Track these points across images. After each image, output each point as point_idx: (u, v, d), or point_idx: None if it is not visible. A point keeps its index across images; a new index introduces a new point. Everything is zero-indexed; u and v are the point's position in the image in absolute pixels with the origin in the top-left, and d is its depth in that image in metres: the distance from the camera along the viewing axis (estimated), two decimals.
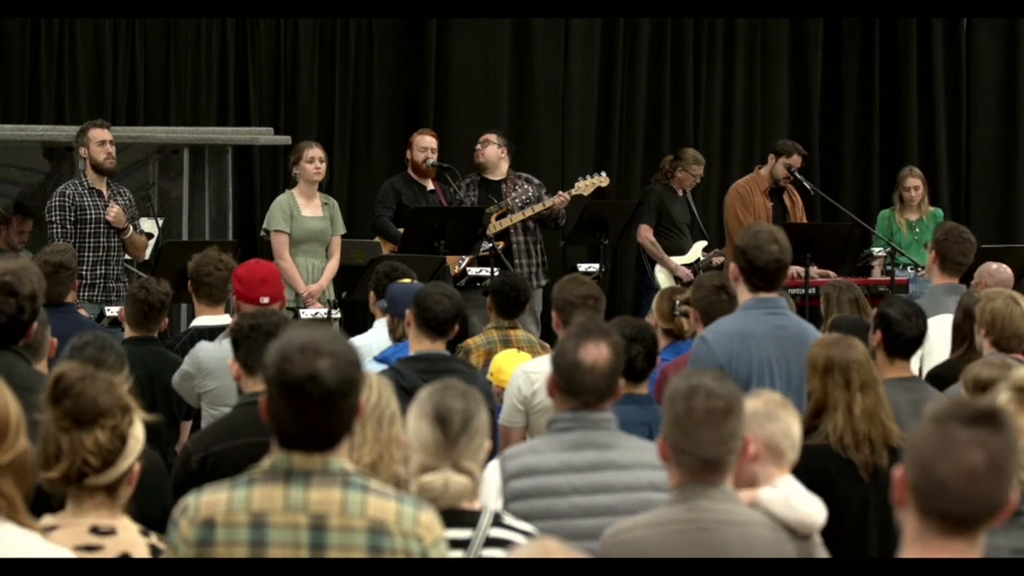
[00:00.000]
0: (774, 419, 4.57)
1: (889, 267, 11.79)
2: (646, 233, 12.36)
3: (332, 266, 10.83)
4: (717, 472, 4.06)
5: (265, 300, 6.98)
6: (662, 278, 12.28)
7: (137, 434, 3.73)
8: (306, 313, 10.21)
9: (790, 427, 4.60)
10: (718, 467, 4.06)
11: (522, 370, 7.00)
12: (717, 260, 12.27)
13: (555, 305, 6.78)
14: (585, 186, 11.98)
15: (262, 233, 11.03)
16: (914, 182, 12.44)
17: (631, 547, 4.06)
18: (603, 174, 12.14)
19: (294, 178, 10.95)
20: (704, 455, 4.03)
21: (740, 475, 4.26)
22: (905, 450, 2.99)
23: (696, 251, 12.48)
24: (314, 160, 10.79)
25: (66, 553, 3.45)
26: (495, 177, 11.89)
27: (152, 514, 4.76)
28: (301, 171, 10.83)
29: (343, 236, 11.01)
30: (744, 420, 4.11)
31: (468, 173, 12.10)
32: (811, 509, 4.47)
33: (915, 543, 2.94)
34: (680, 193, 12.64)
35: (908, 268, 11.85)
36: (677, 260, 12.38)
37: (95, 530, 3.67)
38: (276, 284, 7.17)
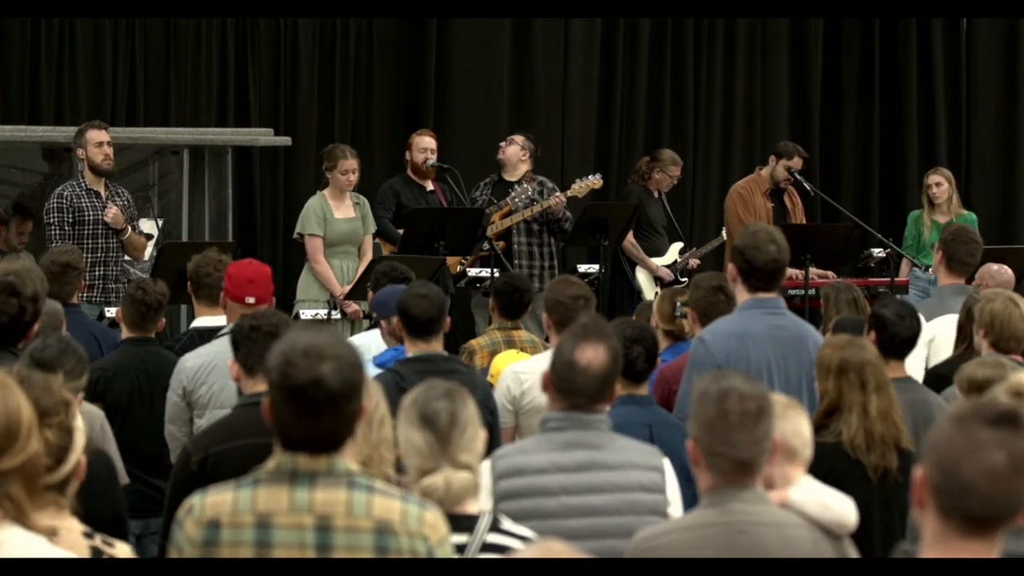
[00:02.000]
0: (784, 419, 4.56)
1: (889, 269, 11.76)
2: (627, 236, 12.34)
3: (365, 266, 10.82)
4: (750, 474, 4.05)
5: (251, 300, 6.94)
6: (643, 279, 12.27)
7: (80, 425, 3.73)
8: (306, 314, 10.20)
9: (800, 426, 4.60)
10: (751, 469, 4.05)
11: (511, 370, 6.98)
12: (693, 263, 12.29)
13: (545, 306, 6.81)
14: (579, 188, 11.99)
15: (295, 236, 11.05)
16: (936, 179, 12.16)
17: (665, 552, 4.04)
18: (598, 176, 12.14)
19: (325, 180, 10.97)
20: (739, 457, 4.02)
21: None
22: (926, 451, 2.98)
23: (673, 253, 12.46)
24: (348, 172, 10.86)
25: (70, 555, 3.44)
26: (511, 178, 11.88)
27: (103, 514, 4.75)
28: (334, 179, 10.90)
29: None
30: (774, 421, 4.11)
31: (476, 174, 12.10)
32: (846, 509, 4.46)
33: (936, 544, 2.94)
34: (656, 195, 12.60)
35: (928, 270, 11.78)
36: (656, 261, 12.37)
37: None
38: (264, 286, 7.14)
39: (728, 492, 4.05)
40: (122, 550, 3.73)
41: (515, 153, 11.93)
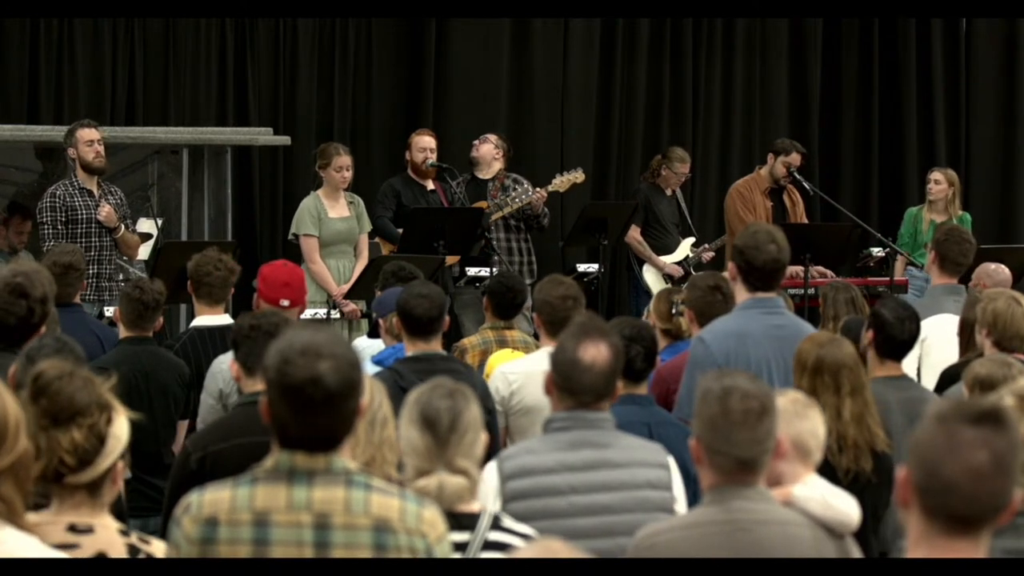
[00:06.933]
0: (802, 418, 4.57)
1: (889, 268, 11.75)
2: (633, 233, 12.37)
3: (362, 265, 10.79)
4: (752, 472, 4.04)
5: (285, 303, 6.94)
6: (649, 277, 12.29)
7: (117, 433, 3.67)
8: (306, 313, 10.19)
9: (817, 426, 4.60)
10: (753, 467, 4.04)
11: (500, 370, 6.97)
12: (706, 256, 12.29)
13: (535, 306, 6.81)
14: (561, 183, 12.00)
15: (290, 237, 11.01)
16: (935, 176, 12.18)
17: (667, 549, 4.03)
18: (579, 170, 12.15)
19: (319, 180, 10.94)
20: (740, 455, 4.01)
21: (768, 474, 4.23)
22: (909, 451, 2.98)
23: (685, 248, 12.49)
24: (342, 169, 10.81)
25: (60, 555, 3.43)
26: (484, 176, 11.91)
27: None
28: (328, 177, 10.85)
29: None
30: (777, 420, 4.09)
31: (464, 172, 12.13)
32: (848, 508, 4.45)
33: (921, 544, 2.94)
34: (669, 192, 12.63)
35: (924, 268, 11.75)
36: (666, 259, 12.39)
37: (72, 528, 3.63)
38: (299, 289, 7.12)
39: (730, 490, 4.04)
40: (158, 547, 3.72)
41: (488, 151, 11.95)
